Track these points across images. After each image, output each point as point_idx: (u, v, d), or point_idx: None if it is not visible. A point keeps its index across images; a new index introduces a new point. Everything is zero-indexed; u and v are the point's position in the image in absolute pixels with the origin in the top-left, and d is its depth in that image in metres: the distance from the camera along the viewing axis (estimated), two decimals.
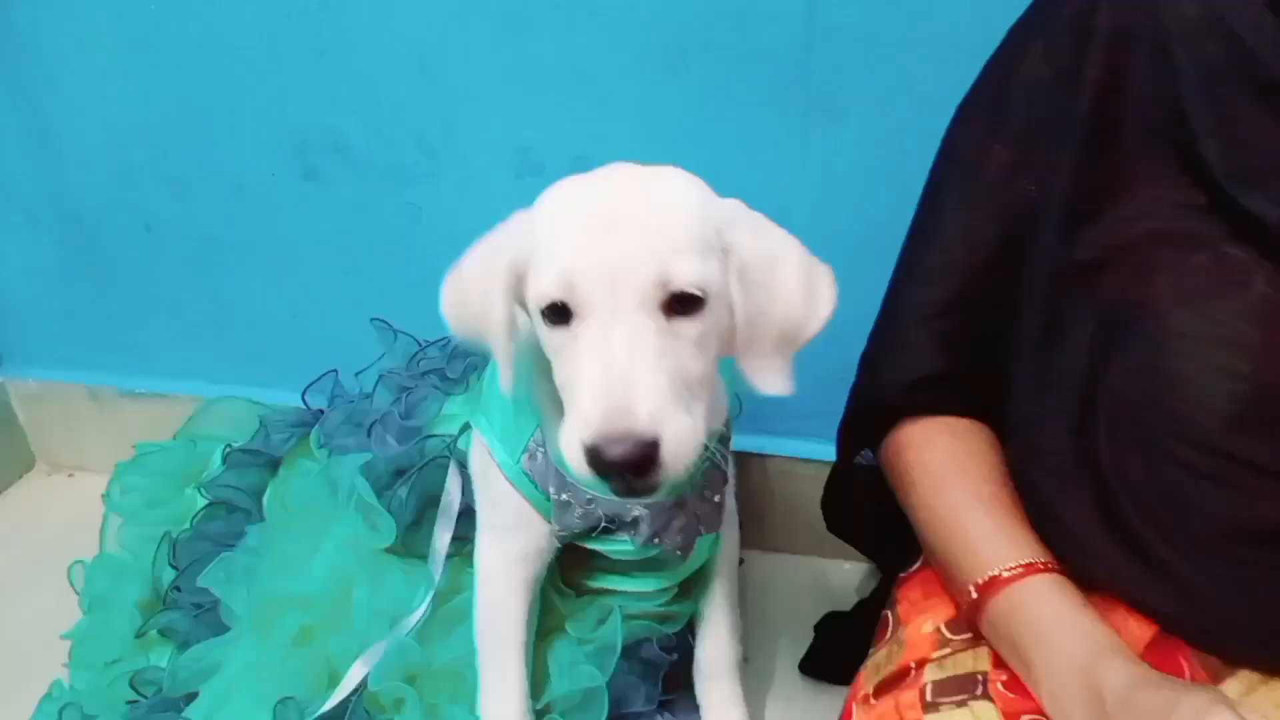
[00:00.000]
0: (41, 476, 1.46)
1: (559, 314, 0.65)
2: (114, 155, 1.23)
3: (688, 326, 0.65)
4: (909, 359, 0.83)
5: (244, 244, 1.26)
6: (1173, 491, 0.67)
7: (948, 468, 0.80)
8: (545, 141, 1.12)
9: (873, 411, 0.87)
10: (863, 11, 0.98)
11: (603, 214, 0.66)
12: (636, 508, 0.83)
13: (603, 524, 0.83)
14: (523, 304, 0.71)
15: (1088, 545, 0.72)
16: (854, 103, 1.03)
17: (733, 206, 0.72)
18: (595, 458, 0.59)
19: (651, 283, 0.63)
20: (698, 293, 0.65)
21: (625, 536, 0.85)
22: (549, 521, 0.84)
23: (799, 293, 0.71)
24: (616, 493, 0.63)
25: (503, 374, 0.72)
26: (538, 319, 0.68)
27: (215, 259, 1.27)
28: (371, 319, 1.11)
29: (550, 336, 0.67)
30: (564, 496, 0.81)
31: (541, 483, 0.82)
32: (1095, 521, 0.71)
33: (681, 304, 0.64)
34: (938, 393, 0.83)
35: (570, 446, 0.62)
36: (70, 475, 1.46)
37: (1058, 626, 0.69)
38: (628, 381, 0.61)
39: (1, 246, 1.32)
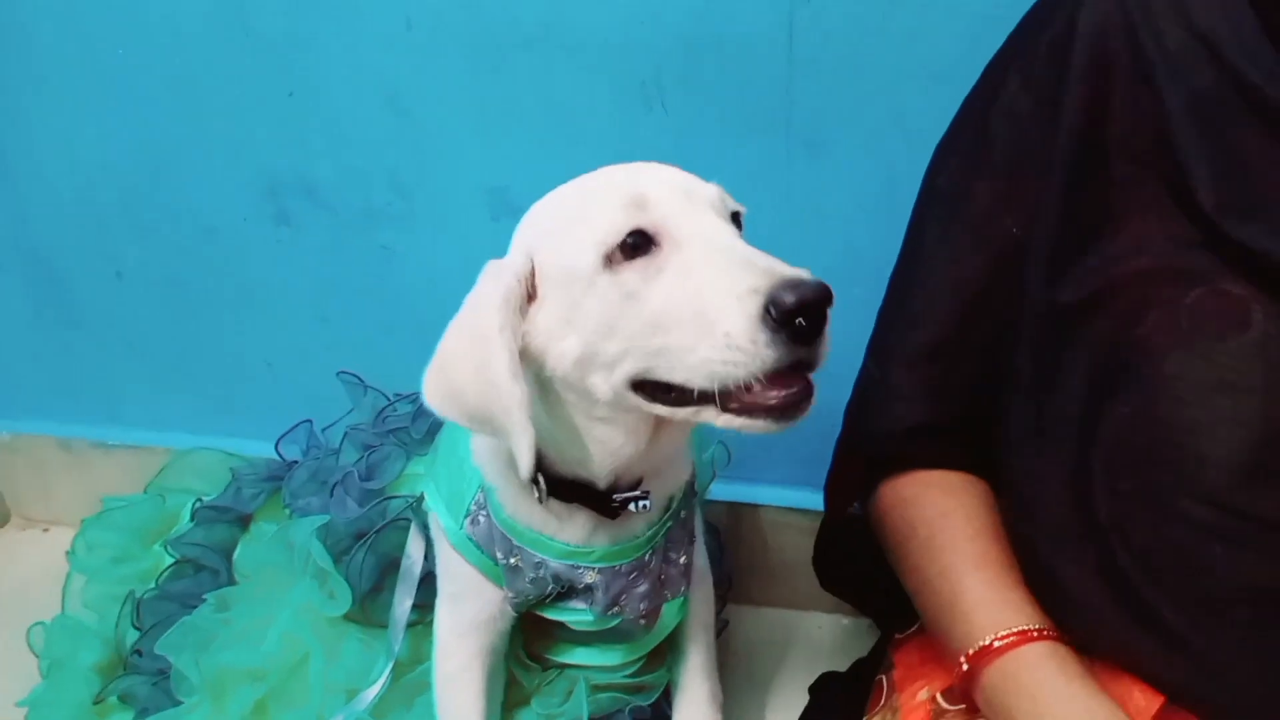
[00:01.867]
0: (15, 531, 1.44)
1: (629, 250, 0.61)
2: (81, 198, 1.21)
3: None
4: (895, 408, 0.80)
5: (216, 290, 1.23)
6: (1181, 551, 0.63)
7: (937, 527, 0.77)
8: (520, 181, 1.09)
9: (859, 465, 0.85)
10: (846, 42, 0.95)
11: (632, 166, 0.66)
12: (589, 574, 0.78)
13: (553, 588, 0.79)
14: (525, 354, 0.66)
15: (1089, 609, 0.68)
16: (839, 135, 0.99)
17: None
18: (777, 308, 0.54)
19: (717, 196, 0.64)
20: (735, 214, 0.66)
21: (582, 605, 0.81)
22: (500, 588, 0.80)
23: None
24: (783, 398, 0.57)
25: (520, 451, 0.63)
26: (588, 273, 0.62)
27: (187, 306, 1.25)
28: (339, 372, 1.09)
29: (619, 280, 0.61)
30: (512, 560, 0.78)
31: (486, 547, 0.79)
32: (1097, 584, 0.68)
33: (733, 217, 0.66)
34: (927, 444, 0.80)
35: (725, 322, 0.56)
36: (45, 530, 1.43)
37: (1055, 699, 0.66)
38: (760, 255, 0.58)
39: None
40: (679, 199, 0.62)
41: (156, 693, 0.96)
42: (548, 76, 1.03)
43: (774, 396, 0.57)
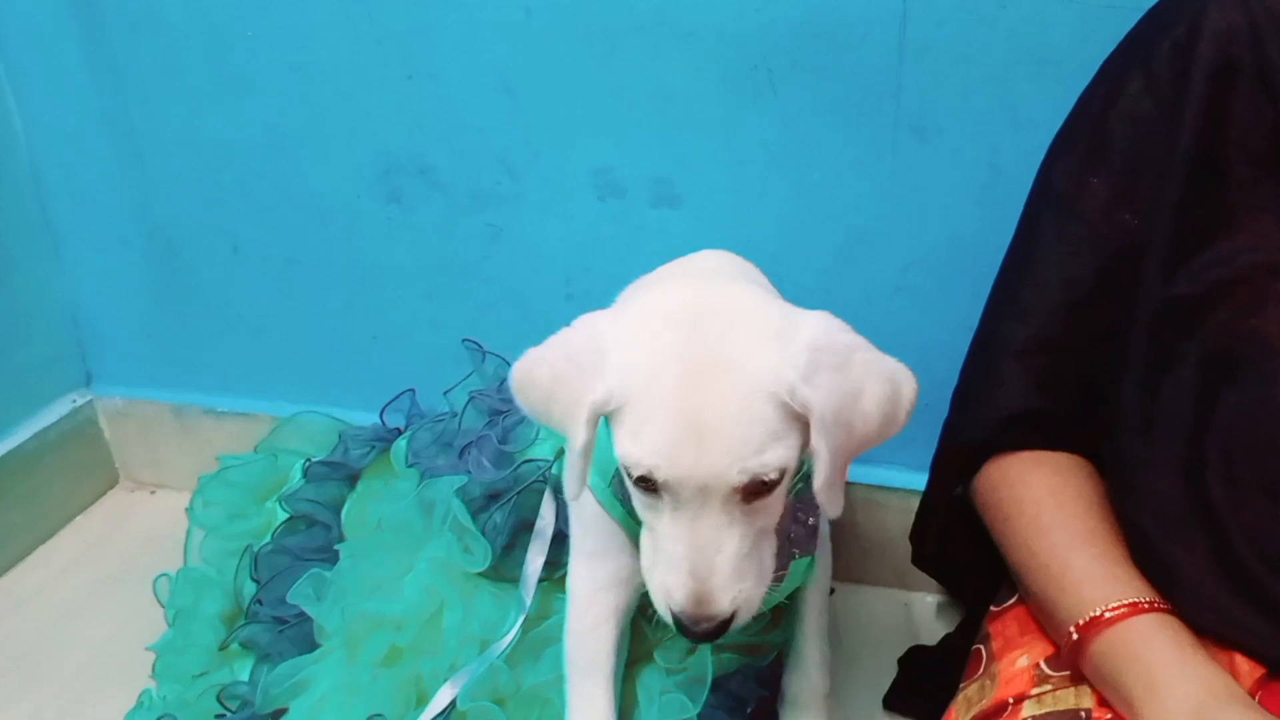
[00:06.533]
0: (124, 493, 1.49)
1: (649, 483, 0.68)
2: (203, 177, 1.25)
3: (766, 502, 0.69)
4: (1002, 396, 0.82)
5: (327, 265, 1.27)
6: None
7: (1045, 504, 0.79)
8: (628, 163, 1.13)
9: (965, 448, 0.86)
10: (959, 29, 0.97)
11: (688, 416, 0.64)
12: None
13: None
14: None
15: (1198, 590, 0.70)
16: (947, 122, 1.01)
17: (811, 338, 0.67)
18: (679, 625, 0.68)
19: (737, 486, 0.66)
20: (777, 476, 0.67)
21: None
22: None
23: (875, 422, 0.70)
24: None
25: (570, 483, 0.72)
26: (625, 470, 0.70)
27: (299, 280, 1.29)
28: (463, 340, 1.12)
29: (638, 494, 0.71)
30: None
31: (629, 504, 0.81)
32: (1208, 567, 0.69)
33: (761, 485, 0.67)
34: (1032, 431, 0.82)
35: (655, 591, 0.70)
36: (152, 492, 1.48)
37: (1166, 668, 0.66)
38: (710, 569, 0.67)
39: (94, 267, 1.35)
40: (690, 489, 0.66)
41: (279, 640, 1.00)
42: (658, 62, 1.06)
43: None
